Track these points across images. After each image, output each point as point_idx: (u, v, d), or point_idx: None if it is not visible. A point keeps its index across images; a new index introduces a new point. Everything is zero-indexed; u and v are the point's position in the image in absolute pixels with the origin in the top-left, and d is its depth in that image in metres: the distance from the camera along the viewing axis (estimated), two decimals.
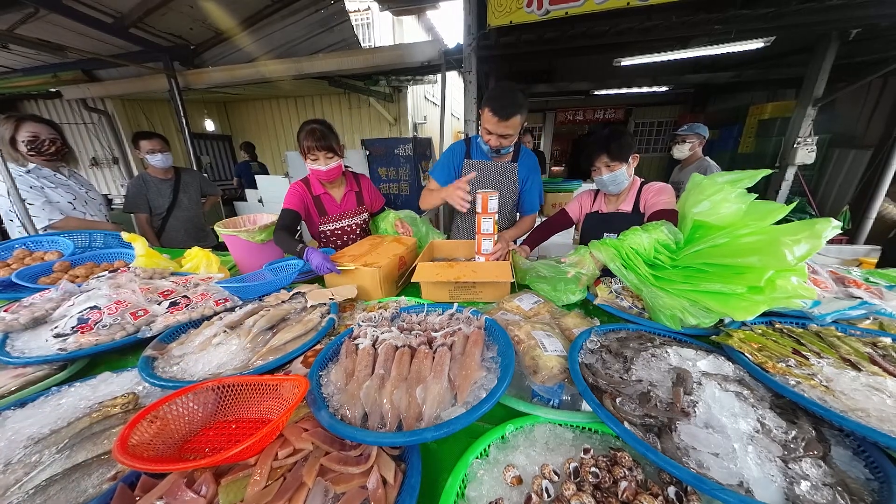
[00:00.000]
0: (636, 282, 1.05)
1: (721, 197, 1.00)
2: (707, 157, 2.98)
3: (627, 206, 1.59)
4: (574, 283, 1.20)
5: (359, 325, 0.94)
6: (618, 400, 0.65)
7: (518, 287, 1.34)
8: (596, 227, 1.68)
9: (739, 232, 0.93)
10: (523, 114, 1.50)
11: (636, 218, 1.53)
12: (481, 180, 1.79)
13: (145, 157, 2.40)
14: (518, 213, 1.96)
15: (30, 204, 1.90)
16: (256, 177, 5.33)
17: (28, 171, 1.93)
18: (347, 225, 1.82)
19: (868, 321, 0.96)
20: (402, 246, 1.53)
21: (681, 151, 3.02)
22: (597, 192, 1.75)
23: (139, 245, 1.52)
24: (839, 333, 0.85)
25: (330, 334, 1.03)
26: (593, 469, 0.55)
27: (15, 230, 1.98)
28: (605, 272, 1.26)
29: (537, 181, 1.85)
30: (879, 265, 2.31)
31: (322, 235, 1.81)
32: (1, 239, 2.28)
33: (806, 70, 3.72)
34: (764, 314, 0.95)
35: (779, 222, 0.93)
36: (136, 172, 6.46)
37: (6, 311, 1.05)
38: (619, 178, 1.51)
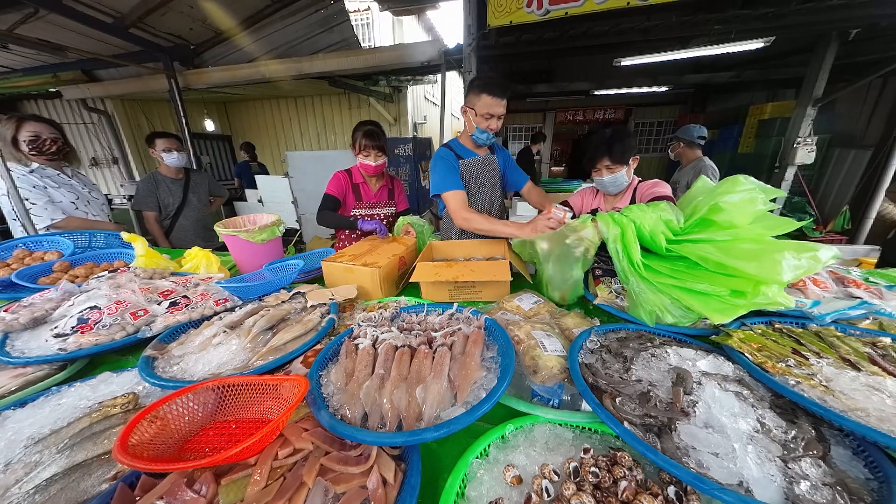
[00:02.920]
0: (626, 268, 1.02)
1: (750, 197, 0.98)
2: (705, 157, 2.98)
3: (624, 204, 1.61)
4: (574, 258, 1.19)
5: (359, 325, 0.94)
6: (618, 400, 0.65)
7: (519, 283, 1.34)
8: None
9: (742, 235, 0.93)
10: None
11: None
12: (473, 176, 1.82)
13: (161, 156, 2.44)
14: (510, 198, 2.04)
15: (32, 203, 1.90)
16: (256, 177, 5.33)
17: (31, 171, 1.93)
18: (377, 213, 2.09)
19: (868, 321, 0.96)
20: (402, 246, 1.54)
21: (672, 154, 3.26)
22: (598, 189, 1.76)
23: (139, 245, 1.53)
24: (839, 333, 0.85)
25: (330, 334, 1.03)
26: (593, 469, 0.55)
27: (18, 230, 1.98)
28: (606, 273, 1.26)
29: (512, 160, 2.01)
30: (879, 265, 2.31)
31: (353, 218, 2.03)
32: (4, 239, 2.29)
33: (806, 70, 3.72)
34: (764, 314, 0.96)
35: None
36: (135, 172, 6.48)
37: (6, 311, 1.05)
38: (619, 180, 1.53)
